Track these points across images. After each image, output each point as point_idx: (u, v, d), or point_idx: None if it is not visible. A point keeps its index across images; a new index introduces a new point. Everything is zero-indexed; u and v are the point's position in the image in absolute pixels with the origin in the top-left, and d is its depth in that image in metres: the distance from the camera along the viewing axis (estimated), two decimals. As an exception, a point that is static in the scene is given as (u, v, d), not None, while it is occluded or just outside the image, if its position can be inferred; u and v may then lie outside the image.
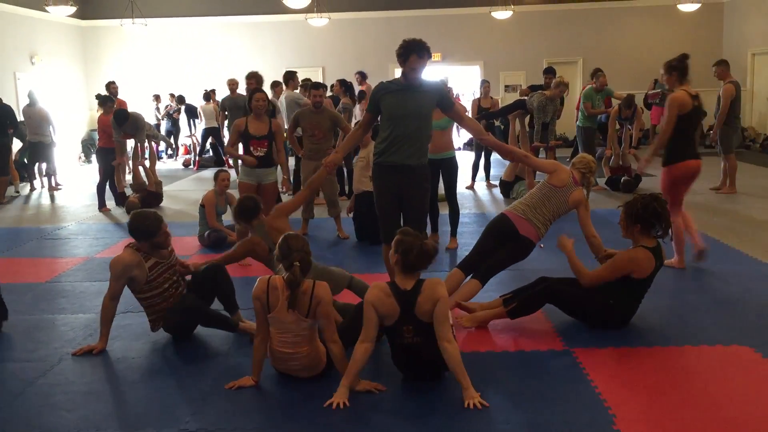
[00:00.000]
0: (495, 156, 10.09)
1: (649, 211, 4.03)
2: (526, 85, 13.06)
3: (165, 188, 9.98)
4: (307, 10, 15.31)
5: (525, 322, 4.23)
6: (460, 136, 16.11)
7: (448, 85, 10.01)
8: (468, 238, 6.72)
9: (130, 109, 10.15)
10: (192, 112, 15.29)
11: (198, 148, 14.51)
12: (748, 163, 11.40)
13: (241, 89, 10.49)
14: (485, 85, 10.46)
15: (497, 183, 9.59)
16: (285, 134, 10.18)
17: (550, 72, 9.43)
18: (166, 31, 16.77)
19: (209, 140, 14.09)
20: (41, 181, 11.56)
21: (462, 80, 16.20)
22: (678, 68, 5.55)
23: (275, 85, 10.95)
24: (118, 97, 12.47)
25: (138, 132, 9.13)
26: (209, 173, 12.16)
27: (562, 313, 4.23)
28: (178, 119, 15.67)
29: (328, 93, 10.32)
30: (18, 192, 11.10)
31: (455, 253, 6.24)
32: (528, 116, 8.78)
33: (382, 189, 4.39)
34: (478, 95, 10.75)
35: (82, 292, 5.31)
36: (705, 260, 5.50)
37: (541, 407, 3.20)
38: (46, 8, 13.78)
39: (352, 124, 8.58)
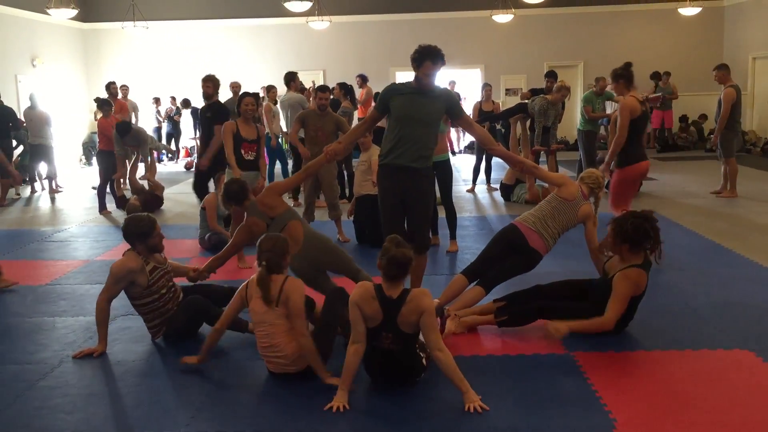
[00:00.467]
0: (496, 159, 10.09)
1: (640, 232, 3.95)
2: (526, 89, 13.07)
3: (166, 191, 9.98)
4: (308, 13, 15.34)
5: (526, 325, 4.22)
6: (464, 138, 16.14)
7: (456, 90, 10.08)
8: (469, 242, 6.72)
9: (130, 108, 10.13)
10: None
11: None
12: (748, 167, 11.40)
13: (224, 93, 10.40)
14: (486, 88, 10.47)
15: (498, 186, 9.59)
16: (278, 137, 10.17)
17: (551, 76, 9.43)
18: (167, 34, 16.79)
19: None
20: (42, 183, 11.56)
21: (463, 83, 16.21)
22: (624, 76, 5.95)
23: (270, 89, 10.97)
24: (118, 98, 12.48)
25: (141, 145, 9.12)
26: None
27: (563, 317, 4.22)
28: (179, 122, 15.68)
29: (328, 95, 10.32)
30: (19, 194, 11.11)
31: (455, 256, 6.24)
32: (529, 120, 8.79)
33: (387, 190, 4.37)
34: (479, 98, 10.75)
35: (82, 294, 5.32)
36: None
37: (542, 411, 3.20)
38: (48, 11, 13.80)
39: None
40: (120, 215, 8.81)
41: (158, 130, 15.58)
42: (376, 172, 6.30)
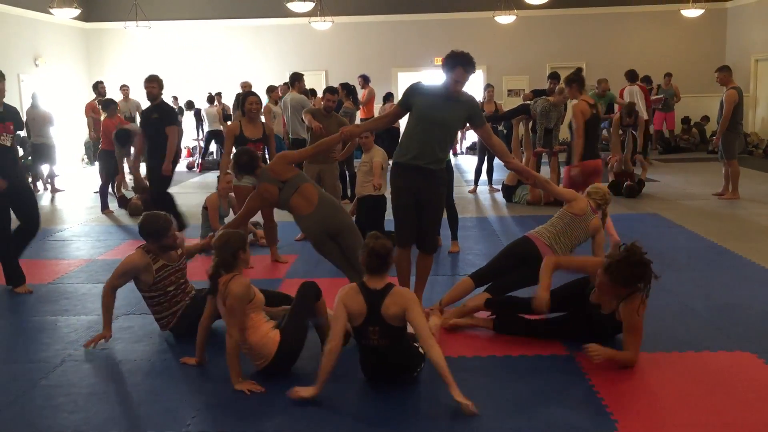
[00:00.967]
0: (497, 160, 10.09)
1: (639, 278, 3.69)
2: (529, 90, 13.06)
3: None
4: (310, 13, 15.36)
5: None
6: (465, 139, 16.12)
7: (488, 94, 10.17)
8: (470, 243, 6.72)
9: (132, 108, 10.12)
10: (199, 116, 15.33)
11: (201, 151, 14.54)
12: (750, 169, 11.39)
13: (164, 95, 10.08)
14: (489, 89, 10.46)
15: (500, 187, 9.59)
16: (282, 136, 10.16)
17: (554, 77, 9.41)
18: (170, 34, 16.81)
19: (212, 143, 14.12)
20: (44, 183, 11.57)
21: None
22: (576, 80, 6.51)
23: (271, 90, 10.96)
24: (107, 97, 12.47)
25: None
26: (212, 176, 12.19)
27: (565, 318, 4.22)
28: (181, 122, 15.68)
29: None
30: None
31: (457, 257, 6.24)
32: (531, 121, 8.78)
33: (401, 190, 4.35)
34: (481, 99, 10.74)
35: (84, 293, 5.33)
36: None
37: (543, 411, 3.21)
38: (50, 10, 13.83)
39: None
40: (122, 215, 8.83)
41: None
42: (377, 173, 6.33)
